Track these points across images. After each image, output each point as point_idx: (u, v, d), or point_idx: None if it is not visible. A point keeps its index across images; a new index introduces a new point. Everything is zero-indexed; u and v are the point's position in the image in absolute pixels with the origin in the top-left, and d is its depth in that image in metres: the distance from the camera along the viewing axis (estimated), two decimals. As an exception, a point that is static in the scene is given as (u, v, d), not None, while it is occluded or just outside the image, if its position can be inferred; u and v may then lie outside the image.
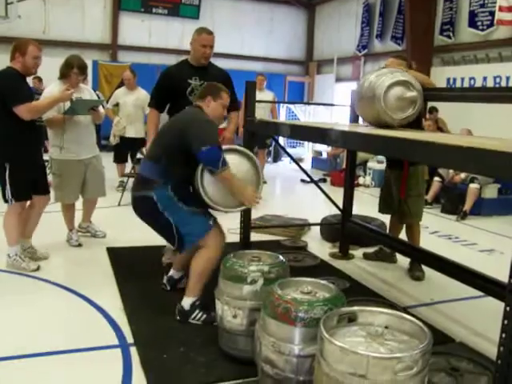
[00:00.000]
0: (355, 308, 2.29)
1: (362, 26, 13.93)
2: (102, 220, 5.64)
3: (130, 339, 3.33)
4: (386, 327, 2.19)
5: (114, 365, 3.03)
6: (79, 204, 5.40)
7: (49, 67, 5.98)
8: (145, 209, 3.57)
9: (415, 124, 3.86)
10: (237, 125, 4.87)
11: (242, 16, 15.63)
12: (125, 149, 8.19)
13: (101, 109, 5.25)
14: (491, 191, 8.21)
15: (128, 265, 4.67)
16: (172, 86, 4.43)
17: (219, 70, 4.65)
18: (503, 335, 1.99)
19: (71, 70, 4.84)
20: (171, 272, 4.12)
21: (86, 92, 5.13)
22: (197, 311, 3.53)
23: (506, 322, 1.97)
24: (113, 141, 8.16)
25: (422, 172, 4.86)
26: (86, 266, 4.72)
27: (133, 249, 5.08)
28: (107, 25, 14.50)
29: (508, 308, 1.96)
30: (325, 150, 12.86)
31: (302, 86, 16.80)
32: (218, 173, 3.42)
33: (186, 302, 3.55)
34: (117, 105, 8.11)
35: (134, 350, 3.19)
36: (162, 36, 14.58)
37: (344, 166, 10.22)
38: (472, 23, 10.18)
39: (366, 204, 6.10)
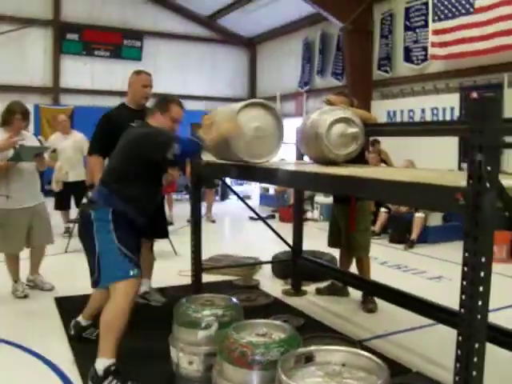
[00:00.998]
0: (312, 348, 2.29)
1: (302, 63, 14.26)
2: (48, 268, 5.47)
3: (82, 394, 3.21)
4: (343, 365, 2.19)
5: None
6: (25, 253, 5.22)
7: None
8: (81, 225, 3.42)
9: (359, 158, 3.93)
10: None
11: (183, 56, 15.79)
12: (67, 194, 8.03)
13: (45, 155, 5.15)
14: (436, 219, 8.43)
15: (78, 314, 4.50)
16: (113, 131, 4.16)
17: None
18: (457, 365, 2.01)
19: (14, 117, 4.75)
20: (79, 318, 3.92)
21: (29, 139, 5.01)
22: (110, 378, 3.06)
23: (459, 351, 2.00)
24: (55, 187, 7.96)
25: (368, 206, 4.97)
26: (34, 319, 4.54)
27: (82, 297, 4.91)
28: (48, 68, 14.37)
29: (460, 338, 1.99)
30: (272, 186, 12.96)
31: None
32: (202, 150, 3.49)
33: (100, 365, 3.10)
34: (54, 151, 7.95)
35: (88, 405, 3.07)
36: (104, 78, 14.51)
37: (291, 201, 10.35)
38: (407, 58, 10.59)
39: (316, 238, 6.15)
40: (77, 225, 6.99)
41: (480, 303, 1.94)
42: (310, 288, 5.50)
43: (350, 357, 2.23)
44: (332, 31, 12.92)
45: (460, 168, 8.88)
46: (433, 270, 6.35)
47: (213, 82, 16.36)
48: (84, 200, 6.77)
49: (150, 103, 4.41)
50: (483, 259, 1.94)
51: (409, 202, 2.37)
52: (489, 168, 1.91)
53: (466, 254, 1.96)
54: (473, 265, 1.95)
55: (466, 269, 1.97)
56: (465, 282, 1.98)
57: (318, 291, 5.39)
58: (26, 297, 4.99)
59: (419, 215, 8.09)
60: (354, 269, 5.06)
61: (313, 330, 4.06)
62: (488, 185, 1.91)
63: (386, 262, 6.82)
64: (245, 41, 16.94)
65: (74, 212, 8.07)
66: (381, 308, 4.79)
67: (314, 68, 13.85)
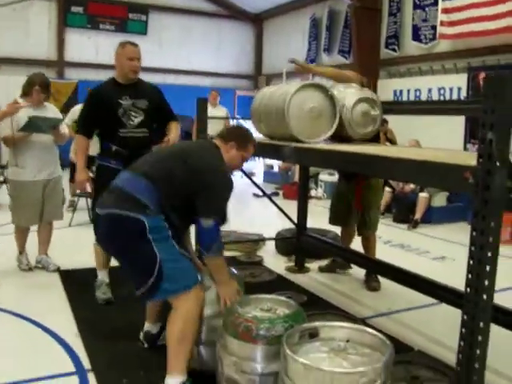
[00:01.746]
0: (317, 324, 2.30)
1: (309, 40, 14.11)
2: (53, 241, 5.48)
3: (87, 365, 3.24)
4: (348, 341, 2.20)
5: (72, 393, 2.95)
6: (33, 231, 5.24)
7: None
8: (125, 229, 2.77)
9: (373, 139, 3.98)
10: (178, 135, 4.56)
11: (189, 31, 15.62)
12: (89, 168, 7.94)
13: (64, 129, 5.11)
14: (440, 199, 8.42)
15: (82, 287, 4.54)
16: (101, 108, 4.10)
17: (149, 85, 4.40)
18: (461, 343, 2.02)
19: (33, 88, 4.77)
20: (146, 326, 3.44)
21: (50, 111, 5.02)
22: None
23: (463, 330, 2.01)
24: (74, 158, 7.91)
25: (380, 184, 4.97)
26: (38, 291, 4.58)
27: (86, 271, 4.95)
28: (53, 41, 14.25)
29: (465, 316, 1.99)
30: (276, 163, 12.93)
31: (251, 101, 16.84)
32: (208, 257, 2.90)
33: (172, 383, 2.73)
34: (76, 122, 7.87)
35: (91, 376, 3.10)
36: (109, 52, 14.33)
37: (296, 178, 10.34)
38: (416, 37, 10.45)
39: (320, 216, 6.14)
40: (82, 199, 6.98)
41: (486, 283, 1.94)
42: (314, 265, 5.52)
43: (355, 333, 2.24)
44: (340, 8, 12.76)
45: (465, 149, 8.84)
46: (436, 251, 6.36)
47: (218, 58, 16.20)
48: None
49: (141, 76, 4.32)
50: (491, 239, 1.94)
51: (418, 180, 2.36)
52: (499, 147, 1.90)
53: (474, 234, 1.96)
54: (480, 244, 1.94)
55: (473, 248, 1.97)
56: (472, 261, 1.97)
57: (321, 269, 5.40)
58: (30, 269, 5.02)
59: (424, 195, 8.08)
60: (354, 246, 5.07)
61: (315, 307, 4.08)
62: (498, 164, 1.90)
63: (389, 241, 6.83)
64: (251, 16, 16.74)
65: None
66: (384, 287, 4.81)
67: (321, 45, 13.70)
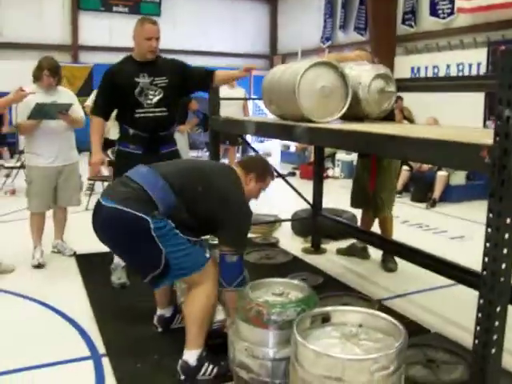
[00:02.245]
0: (328, 308, 2.25)
1: (324, 18, 13.93)
2: (69, 225, 5.49)
3: (101, 350, 3.24)
4: (360, 326, 2.16)
5: (86, 377, 2.95)
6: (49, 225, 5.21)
7: (4, 71, 5.80)
8: (128, 228, 2.70)
9: (389, 116, 3.90)
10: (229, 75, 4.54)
11: (204, 11, 15.48)
12: (104, 150, 7.89)
13: (78, 112, 5.02)
14: (459, 178, 8.30)
15: (98, 272, 4.54)
16: (117, 87, 3.93)
17: (170, 60, 4.17)
18: (477, 328, 1.96)
19: (42, 72, 4.73)
20: (159, 311, 3.45)
21: (65, 95, 4.96)
22: (206, 365, 2.85)
23: (479, 315, 1.95)
24: None
25: (395, 165, 4.87)
26: (54, 275, 4.59)
27: (102, 255, 4.91)
28: (66, 25, 14.24)
29: (482, 301, 1.93)
30: (293, 143, 12.85)
31: (267, 81, 16.74)
32: (226, 289, 2.84)
33: (191, 357, 2.82)
34: None
35: (106, 361, 3.10)
36: (123, 35, 14.26)
37: (312, 158, 10.25)
38: (433, 12, 10.26)
39: (337, 196, 6.10)
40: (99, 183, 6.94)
41: (503, 266, 1.88)
42: (330, 246, 5.47)
43: (367, 318, 2.19)
44: (355, -16, 12.56)
45: (485, 126, 8.68)
46: (455, 230, 6.27)
47: (234, 38, 16.07)
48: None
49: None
50: (508, 220, 1.87)
51: (433, 160, 2.29)
52: (517, 124, 1.82)
53: (490, 215, 1.89)
54: (497, 226, 1.88)
55: (489, 230, 1.90)
56: (488, 244, 1.91)
57: (338, 251, 5.35)
58: (39, 266, 4.81)
59: (442, 173, 7.97)
60: (374, 229, 5.00)
61: (332, 289, 4.05)
62: (515, 142, 1.82)
63: (407, 221, 6.75)
64: (266, -5, 16.58)
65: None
66: (401, 268, 4.75)
67: (337, 23, 13.52)
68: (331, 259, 5.18)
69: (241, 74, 4.21)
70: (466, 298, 3.76)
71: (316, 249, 5.40)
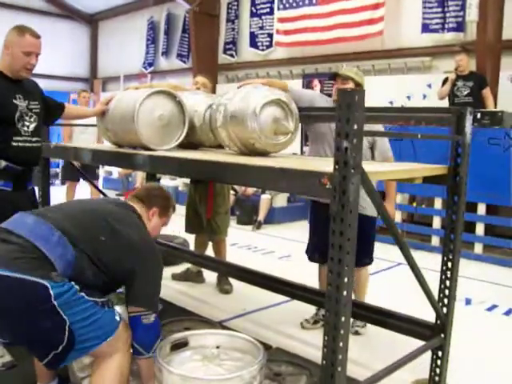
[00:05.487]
0: (186, 333, 2.31)
1: (147, 44, 14.02)
2: None
3: None
4: (218, 347, 2.24)
5: None
6: None
7: None
8: (20, 298, 2.11)
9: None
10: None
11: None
12: None
13: None
14: (281, 200, 8.81)
15: None
16: None
17: (33, 82, 3.61)
18: (325, 337, 2.14)
19: None
20: None
21: None
22: None
23: (327, 325, 2.13)
24: None
25: (227, 189, 5.05)
26: None
27: None
28: None
29: (327, 313, 2.12)
30: (115, 169, 12.56)
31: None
32: (147, 358, 2.31)
33: None
34: None
35: None
36: None
37: (138, 184, 10.15)
38: (253, 44, 10.86)
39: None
40: None
41: (346, 280, 2.08)
42: (165, 272, 5.45)
43: (224, 339, 2.29)
44: (178, 12, 12.85)
45: (302, 152, 9.31)
46: (281, 250, 6.65)
47: (51, 60, 15.43)
48: None
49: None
50: (348, 238, 2.08)
51: (278, 187, 2.45)
52: (354, 154, 2.05)
53: (334, 234, 2.09)
54: (339, 244, 2.08)
55: (333, 246, 2.10)
56: (332, 260, 2.10)
57: (174, 276, 5.37)
58: None
59: (266, 196, 8.40)
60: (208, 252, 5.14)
61: (172, 314, 4.05)
62: (353, 170, 2.05)
63: (235, 243, 6.96)
64: (86, 17, 16.23)
65: None
66: (236, 289, 4.93)
67: (159, 49, 13.70)
68: (167, 284, 5.16)
69: (94, 112, 3.72)
70: (299, 313, 4.07)
71: (151, 275, 5.35)
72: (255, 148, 2.81)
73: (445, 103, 7.39)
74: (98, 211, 2.50)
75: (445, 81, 7.46)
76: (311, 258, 4.17)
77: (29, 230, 2.22)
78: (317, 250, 4.08)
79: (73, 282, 2.17)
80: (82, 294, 2.19)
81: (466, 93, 7.29)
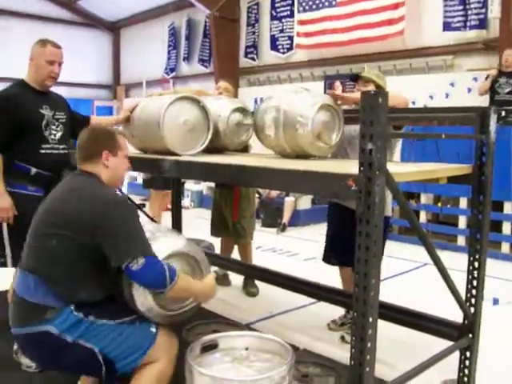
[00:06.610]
0: (216, 335, 2.34)
1: (168, 49, 14.15)
2: None
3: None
4: (247, 349, 2.27)
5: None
6: None
7: None
8: (44, 349, 2.24)
9: (246, 149, 4.09)
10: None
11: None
12: None
13: None
14: (305, 202, 8.82)
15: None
16: (19, 119, 3.41)
17: (60, 96, 3.85)
18: (353, 338, 2.16)
19: None
20: None
21: None
22: None
23: (354, 326, 2.15)
24: None
25: (253, 192, 5.09)
26: None
27: None
28: None
29: (355, 314, 2.13)
30: (140, 174, 12.66)
31: (110, 111, 16.53)
32: (167, 291, 2.23)
33: None
34: None
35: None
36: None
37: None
38: (274, 47, 10.90)
39: (190, 226, 6.17)
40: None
41: (373, 281, 2.10)
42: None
43: (253, 340, 2.32)
44: (199, 18, 12.95)
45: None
46: (306, 252, 6.65)
47: (76, 68, 15.68)
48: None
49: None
50: (374, 240, 2.10)
51: (304, 189, 2.48)
52: (378, 155, 2.06)
53: (360, 235, 2.11)
54: (366, 246, 2.10)
55: (359, 247, 2.12)
56: (358, 262, 2.12)
57: (200, 279, 5.41)
58: None
59: (290, 199, 8.41)
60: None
61: (198, 317, 4.09)
62: (378, 172, 2.06)
63: (260, 246, 6.98)
64: (108, 25, 16.44)
65: None
66: (262, 291, 4.95)
67: (181, 54, 13.81)
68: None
69: (118, 120, 3.82)
70: (325, 314, 4.08)
71: (178, 278, 5.41)
72: (307, 153, 3.00)
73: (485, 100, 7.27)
74: (37, 223, 2.39)
75: (488, 76, 7.29)
76: (327, 261, 4.19)
77: (19, 288, 2.31)
78: (332, 252, 4.10)
79: (81, 314, 2.21)
80: (101, 321, 2.23)
81: (507, 90, 7.06)
